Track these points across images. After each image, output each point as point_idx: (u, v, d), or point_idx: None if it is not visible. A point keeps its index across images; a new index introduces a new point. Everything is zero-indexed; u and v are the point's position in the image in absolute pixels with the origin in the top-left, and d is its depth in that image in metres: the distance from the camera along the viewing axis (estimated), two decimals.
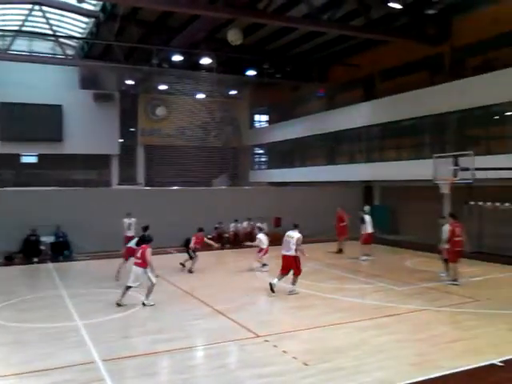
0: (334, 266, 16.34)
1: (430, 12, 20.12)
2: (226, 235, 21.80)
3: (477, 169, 15.20)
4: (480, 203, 17.54)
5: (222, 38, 21.63)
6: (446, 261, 13.73)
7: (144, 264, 10.86)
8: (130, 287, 10.91)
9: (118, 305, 10.81)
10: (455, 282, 13.02)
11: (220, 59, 26.55)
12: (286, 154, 33.03)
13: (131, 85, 30.99)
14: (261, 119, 38.22)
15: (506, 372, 7.10)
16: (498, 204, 17.03)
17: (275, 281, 11.91)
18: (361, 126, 25.15)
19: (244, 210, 21.95)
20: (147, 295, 10.96)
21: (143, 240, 11.65)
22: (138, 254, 10.98)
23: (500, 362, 7.36)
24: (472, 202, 17.59)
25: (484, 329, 9.17)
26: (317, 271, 15.26)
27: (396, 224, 23.40)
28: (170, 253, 18.93)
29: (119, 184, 32.30)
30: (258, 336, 8.77)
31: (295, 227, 12.36)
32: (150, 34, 24.45)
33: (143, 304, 10.89)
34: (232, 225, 21.90)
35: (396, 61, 23.75)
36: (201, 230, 15.74)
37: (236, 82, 32.89)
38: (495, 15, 18.78)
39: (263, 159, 37.39)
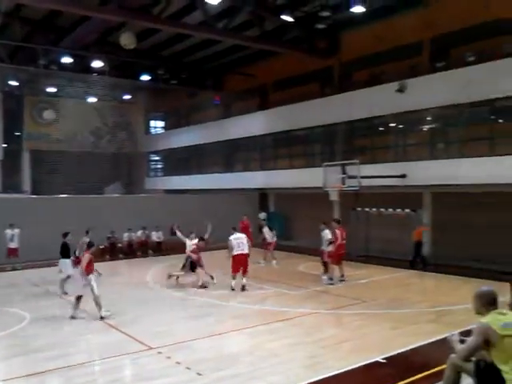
0: (228, 273, 16.37)
1: (320, 26, 21.12)
2: (120, 245, 21.04)
3: (362, 177, 16.15)
4: (366, 209, 18.61)
5: (115, 41, 21.00)
6: (324, 263, 14.38)
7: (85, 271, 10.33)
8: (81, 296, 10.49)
9: (73, 317, 10.36)
10: (331, 282, 13.89)
11: (113, 63, 25.73)
12: (182, 160, 32.71)
13: (15, 86, 28.94)
14: (157, 125, 37.54)
15: (387, 368, 7.53)
16: (382, 210, 18.18)
17: (234, 283, 13.15)
18: (256, 134, 25.62)
19: (139, 219, 21.31)
20: (100, 307, 10.32)
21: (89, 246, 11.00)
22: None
23: (383, 358, 7.79)
24: (359, 208, 18.62)
25: (370, 328, 9.68)
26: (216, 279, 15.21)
27: (290, 230, 24.10)
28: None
29: (2, 192, 29.83)
30: (151, 348, 8.50)
31: (234, 230, 14.08)
32: (35, 33, 22.99)
33: (101, 318, 10.27)
34: (126, 234, 21.17)
35: (289, 72, 24.63)
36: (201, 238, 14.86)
37: (130, 87, 32.03)
38: (379, 33, 20.20)
39: (159, 166, 36.68)
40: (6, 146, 31.26)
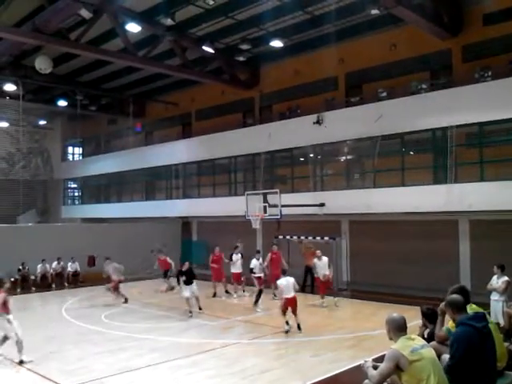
0: (150, 304, 15.96)
1: (241, 59, 21.67)
2: (33, 277, 19.85)
3: (283, 205, 16.48)
4: (287, 237, 18.91)
5: (30, 64, 20.24)
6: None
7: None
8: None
9: None
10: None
11: (28, 87, 24.74)
12: (101, 188, 31.69)
13: None
14: (74, 152, 36.26)
15: None
16: (302, 238, 18.56)
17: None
18: (178, 162, 25.48)
19: (54, 249, 20.25)
20: (20, 350, 9.38)
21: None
22: None
23: None
24: (280, 236, 18.90)
25: (291, 357, 9.77)
26: (132, 311, 14.74)
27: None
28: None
29: None
30: None
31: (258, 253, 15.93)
32: None
33: (21, 362, 9.30)
34: (39, 266, 20.01)
35: (212, 101, 24.92)
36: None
37: (46, 112, 30.87)
38: (296, 67, 21.07)
39: (77, 194, 35.26)
40: None
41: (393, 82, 18.31)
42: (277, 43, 19.90)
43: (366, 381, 4.83)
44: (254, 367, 9.09)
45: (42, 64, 17.96)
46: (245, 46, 20.61)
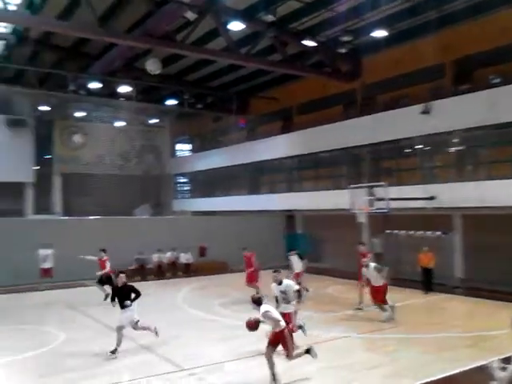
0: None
1: (342, 51, 21.38)
2: (149, 266, 21.28)
3: (391, 199, 16.05)
4: (396, 231, 18.38)
5: (141, 66, 21.57)
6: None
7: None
8: None
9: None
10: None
11: (140, 88, 26.35)
12: (208, 183, 33.05)
13: (46, 111, 29.84)
14: (183, 148, 38.12)
15: None
16: (412, 232, 17.93)
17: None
18: (280, 157, 25.80)
19: (167, 240, 21.56)
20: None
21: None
22: None
23: None
24: (388, 231, 18.41)
25: (402, 353, 9.60)
26: (244, 301, 15.28)
27: (318, 252, 24.01)
28: (88, 285, 18.16)
29: (35, 214, 30.57)
30: (184, 369, 8.60)
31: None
32: (65, 60, 23.83)
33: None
34: (155, 255, 21.41)
35: (313, 95, 24.83)
36: None
37: (156, 111, 32.68)
38: (399, 56, 20.35)
39: (186, 188, 37.12)
40: (37, 168, 32.15)
41: (506, 67, 17.03)
42: (379, 33, 19.34)
43: (493, 382, 4.66)
44: (364, 361, 9.09)
45: (152, 66, 18.99)
46: (346, 38, 20.30)
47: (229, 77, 26.75)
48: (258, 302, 8.45)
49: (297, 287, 9.96)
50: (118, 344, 9.68)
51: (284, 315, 9.03)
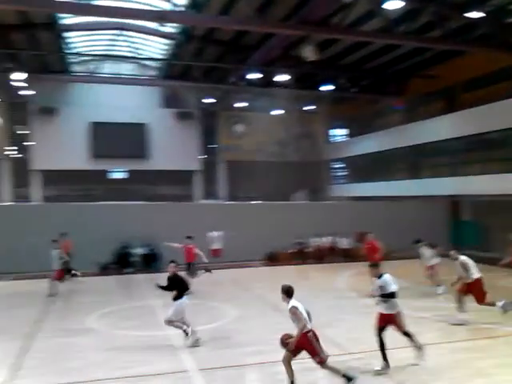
0: (421, 283, 15.69)
1: (511, 20, 19.14)
2: (309, 250, 21.67)
3: None
4: None
5: (296, 54, 21.82)
6: None
7: None
8: None
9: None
10: None
11: (295, 75, 26.71)
12: (365, 168, 32.44)
13: (210, 103, 31.95)
14: (338, 133, 37.89)
15: None
16: None
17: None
18: (444, 138, 24.25)
19: (323, 225, 21.74)
20: None
21: None
22: None
23: None
24: None
25: None
26: (407, 288, 14.77)
27: (488, 240, 22.14)
28: (254, 266, 19.18)
29: (203, 199, 33.32)
30: (352, 353, 8.63)
31: None
32: (226, 53, 25.18)
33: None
34: (314, 239, 21.74)
35: (478, 71, 22.72)
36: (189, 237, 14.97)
37: (312, 98, 32.87)
38: None
39: (342, 173, 36.92)
40: (204, 157, 34.80)
41: None
42: None
43: None
44: None
45: (309, 52, 19.02)
46: None
47: (384, 58, 25.80)
48: (287, 292, 7.25)
49: (395, 287, 8.25)
50: (182, 328, 9.35)
51: (383, 316, 8.19)
